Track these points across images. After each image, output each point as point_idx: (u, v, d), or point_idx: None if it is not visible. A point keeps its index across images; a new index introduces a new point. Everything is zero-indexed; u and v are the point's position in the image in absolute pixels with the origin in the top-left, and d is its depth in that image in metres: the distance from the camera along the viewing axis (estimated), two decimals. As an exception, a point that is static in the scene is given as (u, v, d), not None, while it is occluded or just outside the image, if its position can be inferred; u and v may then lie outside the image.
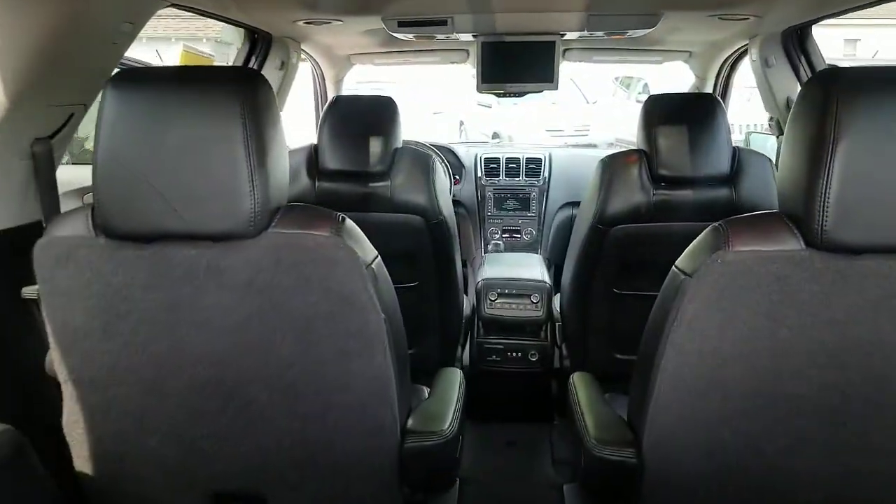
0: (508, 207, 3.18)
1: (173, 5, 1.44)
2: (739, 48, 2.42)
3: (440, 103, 8.74)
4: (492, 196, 3.18)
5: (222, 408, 1.11)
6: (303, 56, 2.68)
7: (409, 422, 1.27)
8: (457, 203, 3.18)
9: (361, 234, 1.12)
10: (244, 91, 0.97)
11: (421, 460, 1.23)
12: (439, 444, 1.25)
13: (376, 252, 1.15)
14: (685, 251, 1.10)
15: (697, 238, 1.09)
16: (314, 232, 1.03)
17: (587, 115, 8.70)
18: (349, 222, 1.09)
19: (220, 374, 1.08)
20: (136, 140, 0.97)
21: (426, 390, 1.67)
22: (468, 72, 3.01)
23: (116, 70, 1.29)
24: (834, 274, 0.98)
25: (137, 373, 1.08)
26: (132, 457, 1.16)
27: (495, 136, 7.25)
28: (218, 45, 13.24)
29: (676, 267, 1.10)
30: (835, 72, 0.97)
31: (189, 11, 1.60)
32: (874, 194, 0.93)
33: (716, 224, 1.06)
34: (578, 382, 1.54)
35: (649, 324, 1.17)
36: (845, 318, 1.00)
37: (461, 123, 9.03)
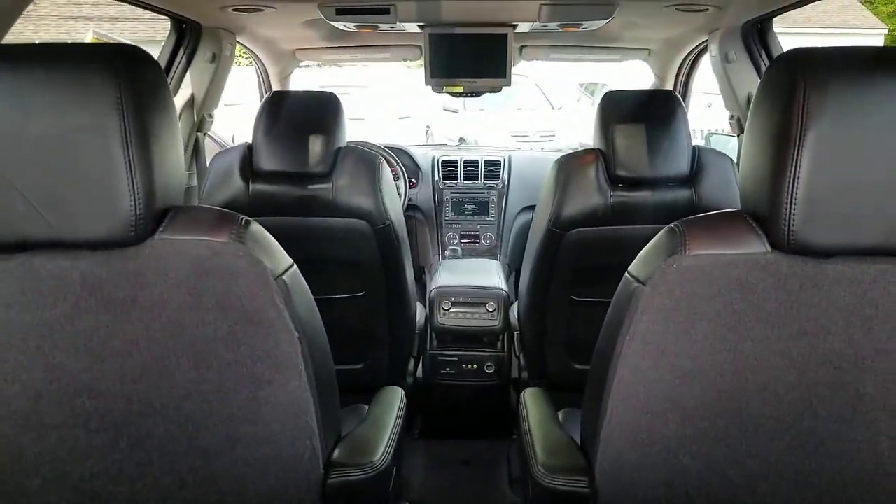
0: (467, 212, 3.06)
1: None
2: (699, 45, 2.34)
3: (407, 108, 8.64)
4: (449, 200, 3.06)
5: (112, 444, 0.95)
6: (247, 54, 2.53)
7: (336, 453, 1.12)
8: (413, 207, 3.06)
9: (271, 239, 0.97)
10: (123, 71, 0.82)
11: (347, 497, 1.09)
12: (368, 479, 1.10)
13: (291, 261, 1.00)
14: (639, 255, 0.98)
15: (651, 241, 0.97)
16: (210, 238, 0.88)
17: (553, 120, 8.68)
18: (255, 225, 0.94)
19: (106, 405, 0.92)
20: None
21: (365, 409, 1.53)
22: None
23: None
24: (802, 280, 0.87)
25: (10, 405, 0.92)
26: (11, 502, 1.00)
27: (462, 140, 7.15)
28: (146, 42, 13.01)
29: (629, 273, 0.98)
30: (802, 53, 0.86)
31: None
32: (847, 190, 0.83)
33: (671, 225, 0.94)
34: (529, 400, 1.41)
35: (601, 336, 1.05)
36: (815, 328, 0.89)
37: (427, 128, 8.92)
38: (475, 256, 3.00)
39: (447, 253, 3.04)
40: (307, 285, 1.04)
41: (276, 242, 0.98)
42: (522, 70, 8.40)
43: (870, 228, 0.84)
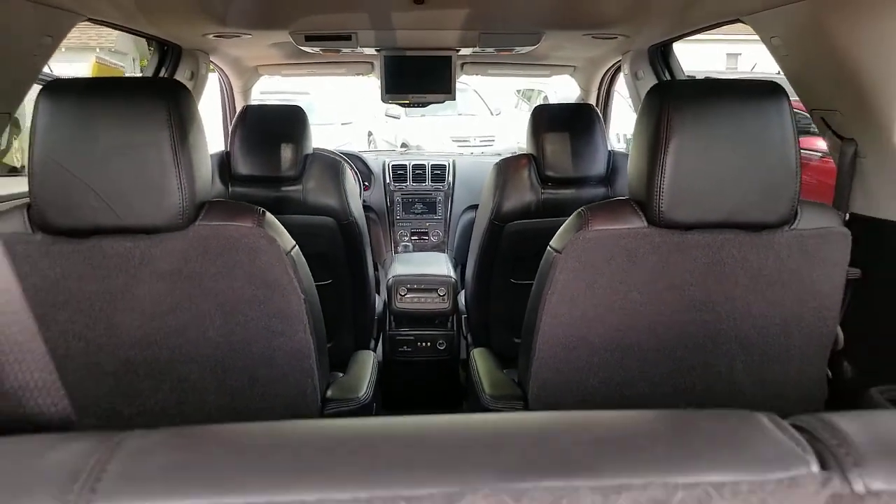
0: (416, 211, 3.36)
1: (89, 20, 1.53)
2: (614, 63, 2.72)
3: (349, 114, 8.87)
4: (400, 201, 3.35)
5: (156, 387, 1.22)
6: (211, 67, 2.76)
7: (329, 391, 1.42)
8: (367, 208, 3.34)
9: (280, 225, 1.26)
10: (170, 100, 1.10)
11: None
12: (356, 409, 1.40)
13: (294, 242, 1.29)
14: (556, 233, 1.32)
15: (566, 222, 1.30)
16: (238, 223, 1.17)
17: (492, 125, 9.03)
18: (269, 215, 1.23)
19: (153, 355, 1.19)
20: (70, 144, 1.08)
21: (341, 375, 1.82)
22: (376, 83, 3.18)
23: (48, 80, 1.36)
24: (670, 246, 1.22)
25: (76, 358, 1.18)
26: None
27: (404, 145, 7.45)
28: (112, 54, 12.96)
29: (550, 246, 1.31)
30: (665, 85, 1.22)
31: (102, 25, 1.69)
32: (698, 182, 1.17)
33: (579, 210, 1.28)
34: (478, 356, 1.73)
35: (531, 297, 1.37)
36: (681, 282, 1.23)
37: (369, 134, 9.18)
38: (424, 251, 3.31)
39: (399, 248, 3.34)
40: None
41: (283, 228, 1.27)
42: (463, 78, 8.73)
43: (716, 209, 1.19)
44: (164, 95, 1.10)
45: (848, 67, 1.31)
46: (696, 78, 1.99)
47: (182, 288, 1.15)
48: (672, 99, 1.16)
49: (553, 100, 8.19)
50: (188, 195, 1.11)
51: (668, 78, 2.39)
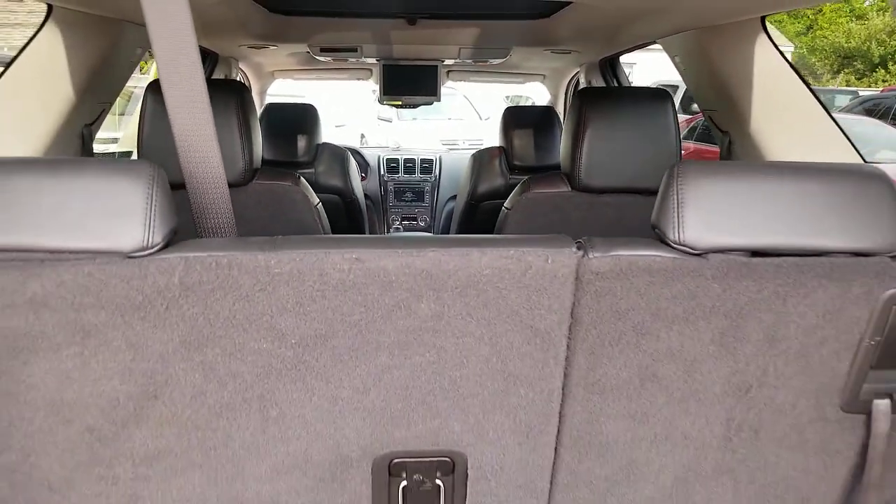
0: (407, 199, 3.86)
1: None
2: (575, 73, 3.24)
3: (343, 117, 9.34)
4: (393, 190, 3.85)
5: None
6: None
7: None
8: (364, 196, 3.84)
9: (309, 186, 1.75)
10: (237, 95, 1.58)
11: None
12: None
13: (318, 199, 1.78)
14: (508, 197, 1.81)
15: (516, 187, 1.80)
16: (282, 182, 1.65)
17: (480, 129, 9.52)
18: (302, 178, 1.72)
19: None
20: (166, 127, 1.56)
21: None
22: (369, 88, 3.67)
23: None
24: (588, 205, 1.72)
25: None
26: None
27: (398, 148, 7.91)
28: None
29: (504, 206, 1.80)
30: (585, 91, 1.72)
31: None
32: (605, 159, 1.67)
33: (525, 178, 1.77)
34: None
35: None
36: (596, 231, 1.73)
37: (362, 136, 9.66)
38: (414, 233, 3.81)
39: (391, 231, 3.84)
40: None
41: (312, 189, 1.76)
42: (453, 85, 9.23)
43: (619, 177, 1.69)
44: (232, 93, 1.58)
45: (721, 79, 1.82)
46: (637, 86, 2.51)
47: (241, 228, 1.64)
48: (588, 100, 1.67)
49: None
50: (248, 161, 1.60)
51: (616, 85, 2.91)
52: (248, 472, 0.97)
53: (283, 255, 0.86)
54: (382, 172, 3.86)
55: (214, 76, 2.73)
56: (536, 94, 9.17)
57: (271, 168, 1.70)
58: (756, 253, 0.90)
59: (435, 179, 3.88)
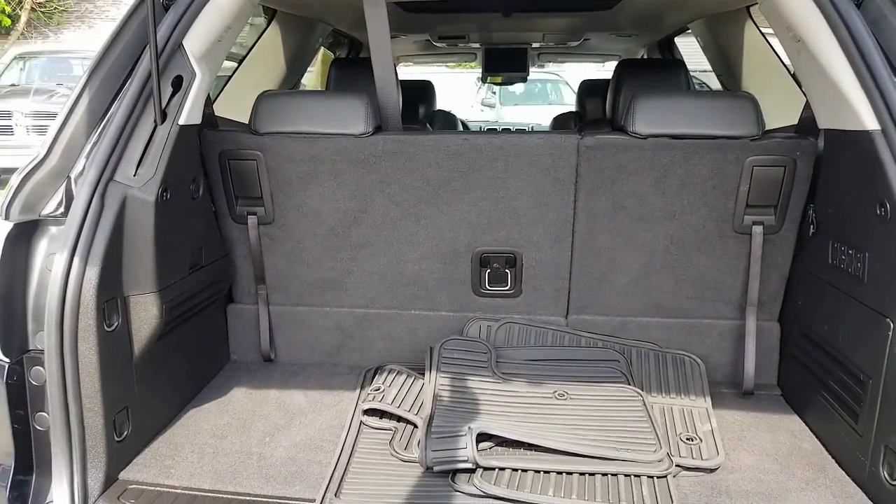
0: None
1: (334, 29, 2.98)
2: (642, 53, 3.96)
3: (447, 105, 10.22)
4: None
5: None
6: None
7: None
8: None
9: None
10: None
11: None
12: None
13: None
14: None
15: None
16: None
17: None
18: (428, 126, 2.60)
19: None
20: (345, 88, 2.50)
21: None
22: (470, 81, 4.50)
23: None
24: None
25: None
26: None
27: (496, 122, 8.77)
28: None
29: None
30: (627, 62, 2.52)
31: (335, 32, 3.14)
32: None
33: (584, 131, 2.58)
34: None
35: None
36: None
37: (463, 124, 10.51)
38: None
39: None
40: None
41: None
42: (556, 70, 9.93)
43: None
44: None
45: (724, 51, 2.54)
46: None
47: None
48: (628, 69, 2.46)
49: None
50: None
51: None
52: (407, 257, 1.87)
53: (430, 137, 1.75)
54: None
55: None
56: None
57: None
58: (674, 136, 1.69)
59: None
